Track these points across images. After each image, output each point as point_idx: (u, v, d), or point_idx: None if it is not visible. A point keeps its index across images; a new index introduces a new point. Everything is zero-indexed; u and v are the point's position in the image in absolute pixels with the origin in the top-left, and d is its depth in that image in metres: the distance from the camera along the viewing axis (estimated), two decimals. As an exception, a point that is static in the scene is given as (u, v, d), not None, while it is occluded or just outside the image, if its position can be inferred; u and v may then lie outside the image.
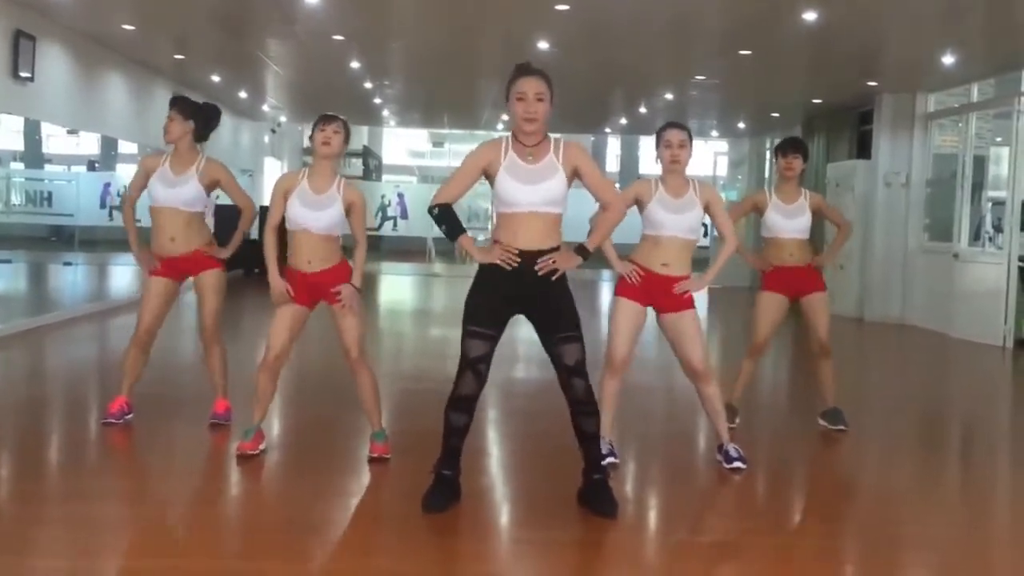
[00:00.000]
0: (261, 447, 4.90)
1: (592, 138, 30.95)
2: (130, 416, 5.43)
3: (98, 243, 14.58)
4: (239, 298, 11.63)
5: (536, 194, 4.01)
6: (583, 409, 4.13)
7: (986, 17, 8.60)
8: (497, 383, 4.24)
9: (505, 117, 17.31)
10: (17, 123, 12.30)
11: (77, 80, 10.49)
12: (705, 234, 5.55)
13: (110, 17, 9.79)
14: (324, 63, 12.08)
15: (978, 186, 11.76)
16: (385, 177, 27.55)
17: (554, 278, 4.04)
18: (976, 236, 11.61)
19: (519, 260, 4.01)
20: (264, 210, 5.18)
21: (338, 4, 8.84)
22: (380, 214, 19.78)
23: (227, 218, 5.47)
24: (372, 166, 25.82)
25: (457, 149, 31.28)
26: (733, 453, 4.92)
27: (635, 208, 4.78)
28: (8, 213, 13.90)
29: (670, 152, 4.77)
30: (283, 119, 18.25)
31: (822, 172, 13.99)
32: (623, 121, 18.05)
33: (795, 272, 5.68)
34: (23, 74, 9.02)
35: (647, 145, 30.10)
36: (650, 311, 4.87)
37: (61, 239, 14.85)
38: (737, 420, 5.73)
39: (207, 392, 5.58)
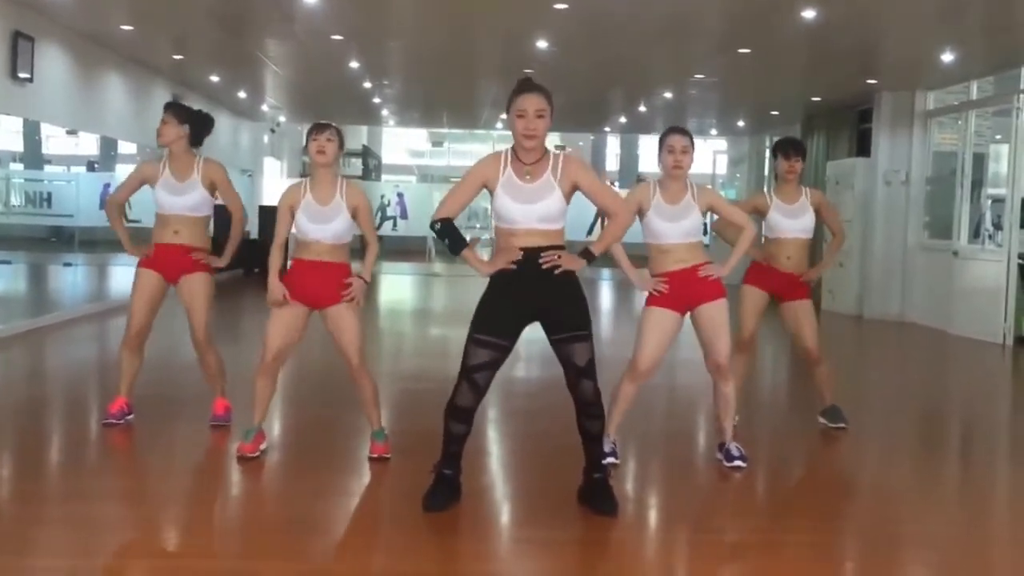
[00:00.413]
0: (262, 447, 4.89)
1: (592, 137, 30.97)
2: (130, 416, 5.44)
3: (98, 244, 14.54)
4: (239, 298, 11.25)
5: (533, 213, 4.01)
6: (590, 411, 4.12)
7: (985, 15, 8.60)
8: (497, 383, 4.23)
9: (504, 116, 17.29)
10: (16, 124, 12.27)
11: (76, 80, 10.49)
12: (705, 232, 5.53)
13: (109, 17, 9.79)
14: (323, 63, 12.07)
15: (978, 183, 11.76)
16: (384, 177, 27.53)
17: (557, 272, 4.02)
18: (976, 233, 11.59)
19: (522, 260, 4.00)
20: (262, 210, 5.19)
21: (337, 4, 8.83)
22: (380, 214, 19.75)
23: (227, 219, 5.49)
24: (371, 166, 25.81)
25: (456, 148, 31.32)
26: (734, 452, 4.93)
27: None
28: (8, 214, 13.86)
29: (673, 157, 4.77)
30: (282, 119, 18.21)
31: (822, 170, 13.99)
32: (622, 120, 18.03)
33: (783, 275, 5.68)
34: (22, 75, 9.00)
35: (647, 144, 30.13)
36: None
37: (61, 240, 14.82)
38: (736, 418, 5.72)
39: (207, 392, 5.58)
